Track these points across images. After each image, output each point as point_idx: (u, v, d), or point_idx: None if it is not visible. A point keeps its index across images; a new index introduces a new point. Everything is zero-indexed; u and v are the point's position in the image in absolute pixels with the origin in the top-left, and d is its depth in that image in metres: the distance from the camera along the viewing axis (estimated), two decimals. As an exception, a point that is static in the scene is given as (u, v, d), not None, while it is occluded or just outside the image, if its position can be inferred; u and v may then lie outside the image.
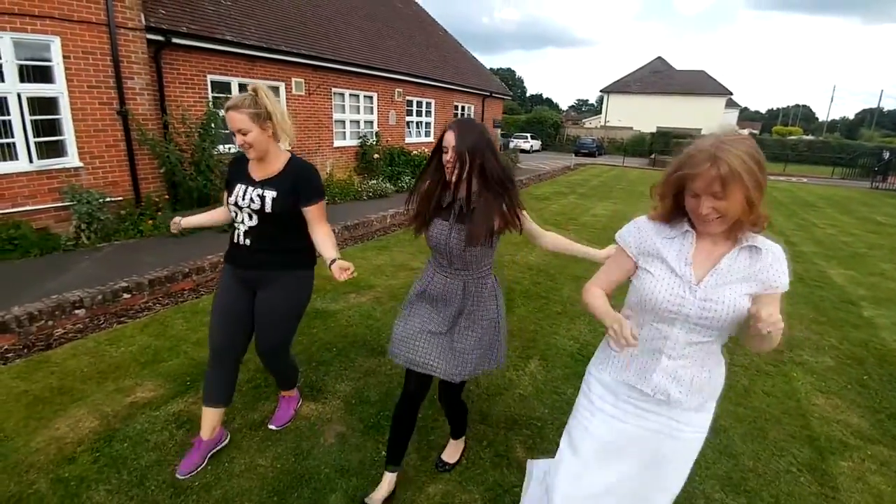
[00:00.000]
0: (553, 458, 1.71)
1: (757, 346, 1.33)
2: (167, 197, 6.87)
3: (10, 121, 5.29)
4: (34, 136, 5.47)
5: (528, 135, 32.22)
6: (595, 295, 1.48)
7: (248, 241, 2.18)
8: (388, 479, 2.14)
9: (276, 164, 2.14)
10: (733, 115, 46.70)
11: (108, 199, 6.04)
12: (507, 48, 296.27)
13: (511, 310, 4.39)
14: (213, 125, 7.32)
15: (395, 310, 2.14)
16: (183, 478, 2.19)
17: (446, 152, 1.77)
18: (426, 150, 12.46)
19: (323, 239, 2.15)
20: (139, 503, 2.04)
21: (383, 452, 2.42)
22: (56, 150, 5.77)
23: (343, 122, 11.17)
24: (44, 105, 5.58)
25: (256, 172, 2.15)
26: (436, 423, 2.67)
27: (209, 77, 7.86)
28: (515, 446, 2.54)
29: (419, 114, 14.33)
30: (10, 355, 3.29)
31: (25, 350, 3.38)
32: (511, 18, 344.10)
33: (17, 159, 5.38)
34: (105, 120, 6.09)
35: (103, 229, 5.90)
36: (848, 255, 7.19)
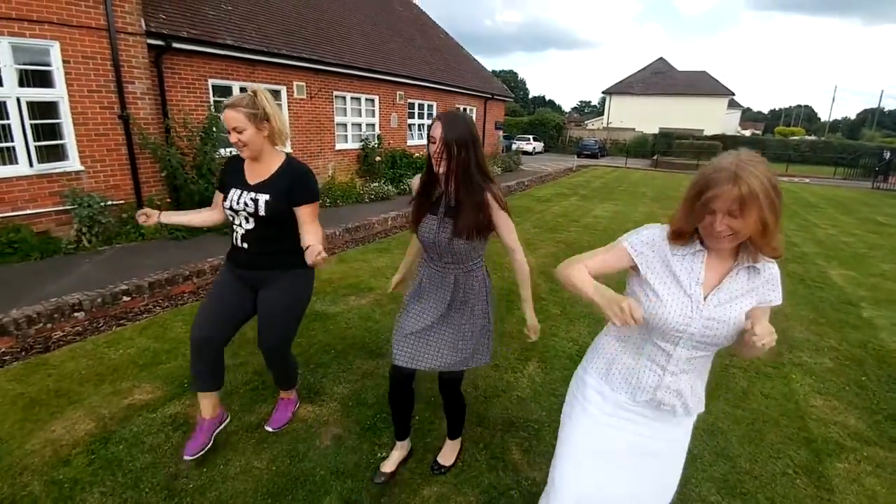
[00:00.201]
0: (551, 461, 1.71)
1: (748, 354, 1.34)
2: (169, 200, 6.90)
3: (9, 125, 5.32)
4: (35, 140, 5.51)
5: (531, 136, 32.22)
6: (583, 271, 1.39)
7: (245, 245, 2.20)
8: (399, 447, 2.35)
9: (271, 165, 2.16)
10: (735, 115, 46.62)
11: (109, 203, 6.07)
12: (509, 50, 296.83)
13: (510, 312, 4.38)
14: (214, 129, 7.35)
15: (395, 312, 2.16)
16: (190, 458, 2.22)
17: (433, 142, 1.80)
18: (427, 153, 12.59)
19: (309, 231, 2.14)
20: (133, 505, 2.05)
21: (379, 455, 2.43)
22: (57, 153, 5.81)
23: (345, 124, 11.19)
24: (44, 109, 5.61)
25: (251, 175, 2.16)
26: (432, 426, 2.67)
27: (210, 81, 7.89)
28: (512, 448, 2.54)
29: (421, 116, 14.35)
30: (7, 358, 3.31)
31: (23, 353, 3.39)
32: (513, 20, 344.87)
33: (17, 163, 5.42)
34: (106, 124, 6.13)
35: (104, 232, 5.93)
36: (848, 255, 7.16)
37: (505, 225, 1.91)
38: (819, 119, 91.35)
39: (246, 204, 2.11)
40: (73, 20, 5.55)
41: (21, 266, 4.94)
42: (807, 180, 21.15)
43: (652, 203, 11.63)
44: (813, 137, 42.42)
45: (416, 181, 2.01)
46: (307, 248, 1.98)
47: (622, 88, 42.17)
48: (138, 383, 2.99)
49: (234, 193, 2.15)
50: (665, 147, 30.51)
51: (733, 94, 39.96)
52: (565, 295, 4.83)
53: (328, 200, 9.43)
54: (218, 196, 2.32)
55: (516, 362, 3.46)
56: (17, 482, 2.14)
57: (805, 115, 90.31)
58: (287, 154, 2.23)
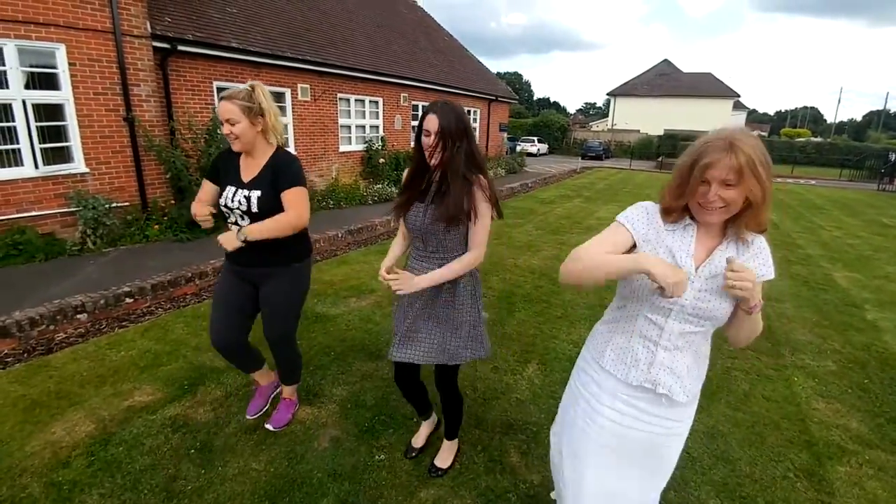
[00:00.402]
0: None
1: (737, 335, 1.36)
2: (173, 202, 6.94)
3: (15, 127, 5.37)
4: (40, 143, 5.55)
5: (535, 138, 32.22)
6: (601, 252, 1.33)
7: (242, 244, 2.20)
8: (425, 424, 2.53)
9: (262, 159, 2.18)
10: (741, 116, 46.40)
11: (114, 205, 6.12)
12: (513, 52, 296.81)
13: (511, 314, 4.38)
14: (218, 131, 7.38)
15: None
16: (252, 418, 2.65)
17: (427, 135, 1.80)
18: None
19: (275, 218, 2.11)
20: (131, 507, 2.06)
21: (377, 457, 2.43)
22: (62, 156, 5.85)
23: (349, 126, 11.22)
24: (50, 111, 5.66)
25: (245, 172, 2.19)
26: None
27: (215, 83, 7.93)
28: (510, 451, 2.53)
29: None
30: (9, 360, 3.33)
31: (25, 354, 3.42)
32: (518, 23, 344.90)
33: (22, 165, 5.46)
34: (112, 126, 6.17)
35: (109, 234, 5.97)
36: (853, 257, 7.10)
37: (481, 219, 1.88)
38: (825, 120, 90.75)
39: (240, 202, 2.13)
40: (79, 23, 5.60)
41: (26, 267, 4.99)
42: (812, 182, 21.00)
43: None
44: (819, 139, 42.14)
45: (406, 174, 2.02)
46: (238, 230, 2.06)
47: (627, 90, 42.09)
48: (139, 385, 3.01)
49: (228, 191, 2.17)
50: (670, 149, 30.32)
51: (738, 96, 39.81)
52: (567, 297, 4.81)
53: (332, 202, 9.46)
54: (205, 185, 2.30)
55: (516, 364, 3.45)
56: (16, 484, 2.15)
57: (811, 117, 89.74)
58: (277, 146, 2.23)
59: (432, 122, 1.79)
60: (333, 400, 2.92)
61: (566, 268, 1.35)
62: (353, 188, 10.23)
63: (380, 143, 11.86)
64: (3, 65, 5.16)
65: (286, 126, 9.40)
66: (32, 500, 2.07)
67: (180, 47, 7.02)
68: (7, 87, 5.23)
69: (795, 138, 40.48)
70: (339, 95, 10.64)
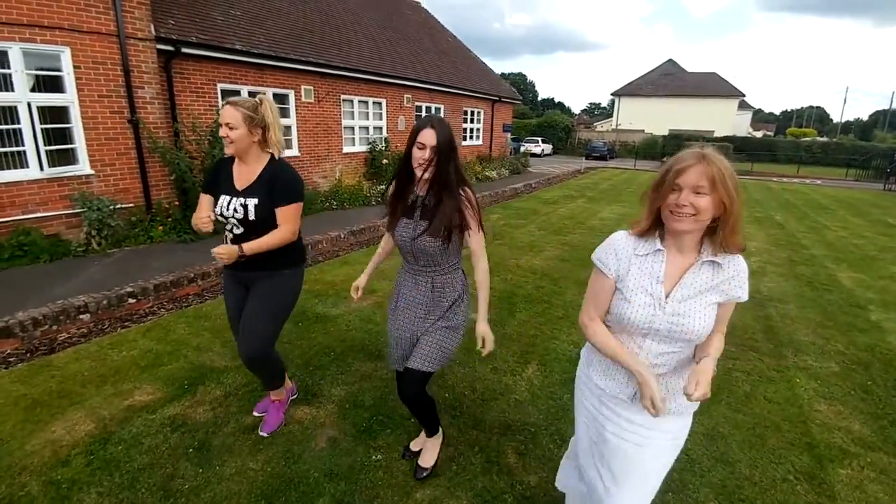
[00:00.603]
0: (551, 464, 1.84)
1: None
2: (177, 203, 6.97)
3: (20, 129, 5.42)
4: (45, 145, 5.60)
5: (539, 139, 32.14)
6: (605, 334, 1.47)
7: None
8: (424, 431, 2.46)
9: (257, 168, 2.20)
10: (746, 116, 46.16)
11: (118, 206, 6.16)
12: (518, 53, 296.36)
13: (512, 314, 4.38)
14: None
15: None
16: (257, 415, 2.73)
17: (422, 148, 1.81)
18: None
19: (271, 234, 2.17)
20: (128, 506, 2.07)
21: (374, 457, 2.44)
22: (67, 157, 5.90)
23: (352, 128, 11.25)
24: (55, 114, 5.71)
25: (239, 180, 2.20)
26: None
27: (219, 86, 7.98)
28: (507, 452, 2.53)
29: (428, 119, 14.37)
30: (12, 359, 3.36)
31: (28, 354, 3.44)
32: (522, 23, 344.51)
33: (27, 167, 5.51)
34: (116, 128, 6.21)
35: (114, 235, 6.01)
36: (858, 257, 7.04)
37: (473, 228, 1.92)
38: (831, 120, 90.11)
39: (236, 210, 2.15)
40: (83, 26, 5.64)
41: (30, 268, 5.03)
42: (818, 182, 20.86)
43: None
44: (824, 139, 41.93)
45: (392, 187, 2.02)
46: (238, 249, 2.09)
47: (631, 90, 41.95)
48: (139, 385, 3.03)
49: (223, 200, 2.18)
50: (675, 149, 29.85)
51: (744, 95, 39.58)
52: (568, 298, 4.81)
53: (335, 203, 9.49)
54: (203, 198, 2.32)
55: (515, 365, 3.44)
56: (15, 482, 2.17)
57: (817, 116, 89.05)
58: (271, 155, 2.26)
59: (429, 137, 1.80)
60: (332, 400, 2.92)
61: (583, 329, 1.54)
62: (357, 189, 10.25)
63: (383, 145, 11.88)
64: (8, 68, 5.21)
65: (289, 128, 9.44)
66: (31, 498, 2.08)
67: (184, 50, 7.07)
68: (12, 90, 5.28)
69: (801, 138, 40.26)
70: (343, 97, 10.67)
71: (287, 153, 9.35)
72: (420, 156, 1.82)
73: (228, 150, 2.17)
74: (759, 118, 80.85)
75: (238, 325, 2.37)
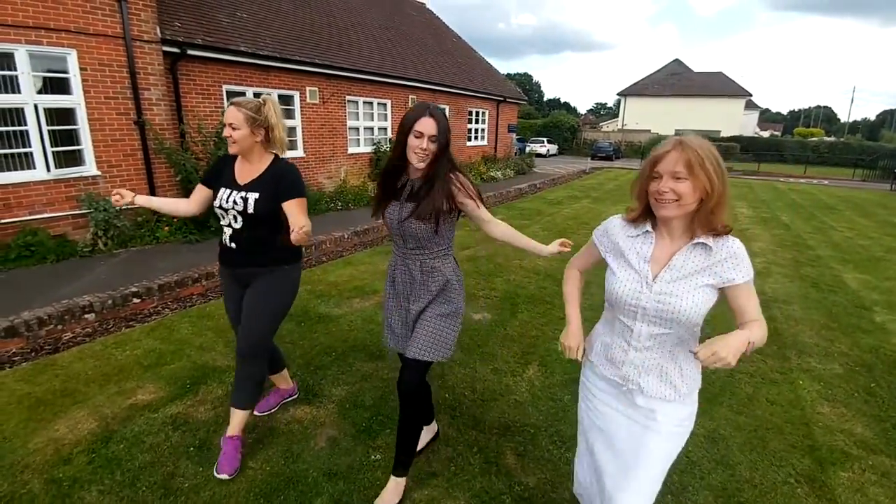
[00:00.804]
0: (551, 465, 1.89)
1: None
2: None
3: (27, 131, 5.48)
4: (52, 146, 5.66)
5: (545, 139, 32.12)
6: (572, 282, 1.72)
7: (234, 244, 2.25)
8: (425, 430, 2.46)
9: (260, 166, 2.23)
10: (753, 116, 45.88)
11: (125, 207, 6.20)
12: (524, 53, 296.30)
13: (514, 315, 4.38)
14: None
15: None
16: (260, 414, 2.72)
17: (420, 137, 1.80)
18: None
19: (298, 220, 2.19)
20: (129, 503, 2.09)
21: (373, 457, 2.44)
22: (74, 158, 5.96)
23: (357, 128, 11.29)
24: (62, 115, 5.77)
25: (241, 176, 2.23)
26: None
27: (225, 87, 8.03)
28: (506, 453, 2.52)
29: (432, 120, 14.39)
30: (17, 359, 3.40)
31: (33, 353, 3.48)
32: (528, 23, 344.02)
33: (34, 168, 5.57)
34: (122, 130, 6.27)
35: (120, 236, 6.07)
36: (864, 258, 6.98)
37: (472, 203, 1.96)
38: (839, 120, 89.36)
39: (235, 202, 2.17)
40: (89, 28, 5.70)
41: (37, 268, 5.09)
42: (825, 182, 20.70)
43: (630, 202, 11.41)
44: (832, 139, 41.62)
45: (385, 171, 2.04)
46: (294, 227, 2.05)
47: (637, 90, 41.82)
48: (142, 384, 3.05)
49: (223, 193, 2.21)
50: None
51: (750, 95, 39.38)
52: (570, 298, 4.79)
53: (340, 204, 9.52)
54: (199, 189, 2.36)
55: (516, 365, 3.44)
56: (17, 480, 2.20)
57: (824, 116, 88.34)
58: (275, 155, 2.29)
59: (429, 126, 1.79)
60: (332, 400, 2.94)
61: (566, 272, 1.75)
62: (362, 190, 10.28)
63: (388, 145, 11.90)
64: (15, 70, 5.27)
65: (295, 129, 9.48)
66: (32, 496, 2.10)
67: (190, 52, 7.12)
68: (19, 92, 5.34)
69: (808, 138, 39.97)
70: (348, 98, 10.71)
71: (292, 154, 9.40)
72: (417, 144, 1.80)
73: (232, 150, 2.20)
74: (767, 118, 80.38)
75: (237, 318, 2.38)
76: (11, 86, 5.31)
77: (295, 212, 2.19)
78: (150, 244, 6.26)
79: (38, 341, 3.63)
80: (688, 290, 1.35)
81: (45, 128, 5.55)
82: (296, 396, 2.93)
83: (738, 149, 32.18)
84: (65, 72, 5.66)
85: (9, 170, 5.44)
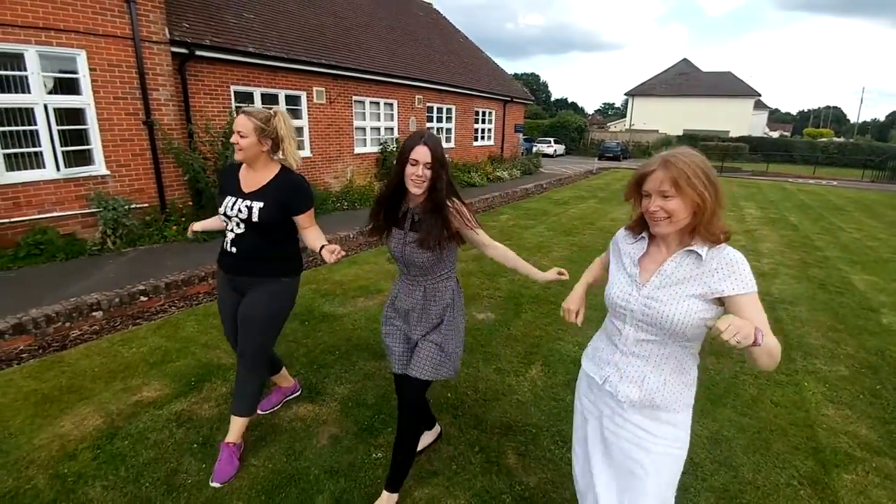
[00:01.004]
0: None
1: (754, 362, 1.24)
2: (191, 203, 7.09)
3: (37, 131, 5.55)
4: (62, 146, 5.72)
5: (552, 139, 32.00)
6: (587, 273, 1.80)
7: (234, 249, 2.26)
8: (427, 434, 2.49)
9: (266, 174, 2.24)
10: (762, 116, 45.53)
11: (133, 206, 6.28)
12: (531, 53, 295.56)
13: (517, 315, 4.38)
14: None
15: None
16: (263, 413, 2.74)
17: (415, 164, 1.81)
18: (448, 155, 12.83)
19: (312, 236, 2.26)
20: (133, 499, 2.12)
21: (374, 455, 2.46)
22: (84, 158, 6.02)
23: (364, 129, 11.32)
24: (71, 115, 5.83)
25: (246, 184, 2.24)
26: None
27: (232, 88, 8.09)
28: (507, 453, 2.53)
29: (440, 120, 14.43)
30: (24, 355, 3.45)
31: (40, 350, 3.53)
32: (535, 24, 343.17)
33: (44, 168, 5.64)
34: (131, 130, 6.33)
35: (128, 235, 6.13)
36: (872, 260, 6.91)
37: (474, 230, 1.96)
38: (848, 121, 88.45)
39: (240, 210, 2.18)
40: (99, 29, 5.76)
41: (46, 267, 5.15)
42: (834, 183, 20.49)
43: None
44: (841, 139, 41.23)
45: (380, 198, 2.01)
46: (322, 247, 2.08)
47: (645, 90, 41.63)
48: (147, 381, 3.09)
49: (228, 201, 2.23)
50: (689, 149, 29.89)
51: (759, 95, 39.08)
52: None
53: (346, 203, 9.56)
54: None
55: (519, 365, 3.45)
56: (22, 475, 2.23)
57: (834, 117, 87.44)
58: (282, 164, 2.30)
59: (423, 154, 1.80)
60: (335, 398, 2.96)
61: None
62: (368, 189, 10.32)
63: (395, 145, 11.92)
64: (25, 70, 5.34)
65: (301, 129, 9.53)
66: (37, 491, 2.14)
67: (198, 52, 7.18)
68: (29, 92, 5.41)
69: (818, 138, 39.63)
70: (354, 98, 10.74)
71: (299, 154, 9.43)
72: (413, 172, 1.82)
73: (237, 157, 2.22)
74: (776, 118, 79.74)
75: (230, 325, 2.38)
76: (22, 86, 5.38)
77: (307, 224, 2.26)
78: (158, 243, 6.31)
79: (46, 338, 3.68)
80: (675, 298, 1.33)
81: (54, 128, 5.61)
82: (299, 393, 2.95)
83: (746, 149, 31.97)
84: (74, 72, 5.72)
85: (19, 169, 5.51)
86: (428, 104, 13.48)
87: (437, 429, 2.58)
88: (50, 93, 5.61)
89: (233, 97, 8.09)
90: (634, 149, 34.09)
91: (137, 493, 2.15)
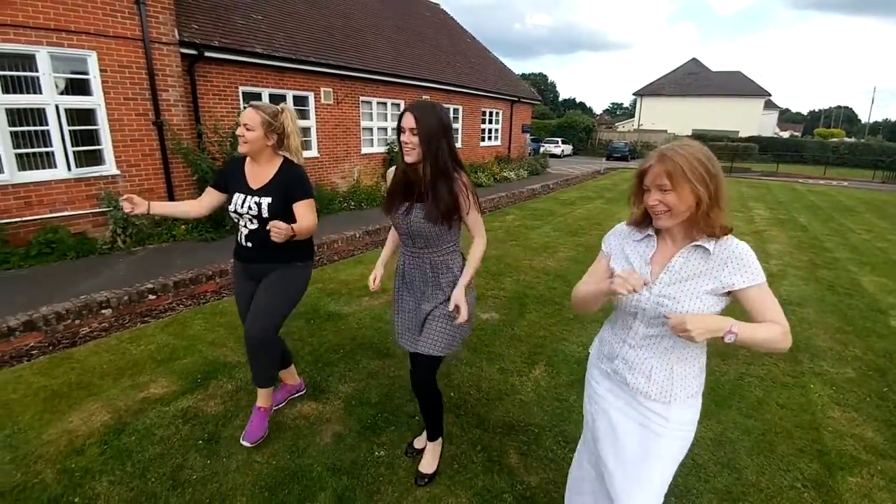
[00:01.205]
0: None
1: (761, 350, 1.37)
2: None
3: (48, 131, 5.63)
4: (73, 146, 5.80)
5: (559, 139, 31.95)
6: (583, 283, 1.58)
7: (250, 244, 2.34)
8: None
9: (270, 169, 2.30)
10: (772, 116, 45.11)
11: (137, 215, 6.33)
12: (539, 53, 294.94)
13: (522, 315, 4.38)
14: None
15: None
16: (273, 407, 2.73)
17: (403, 132, 1.87)
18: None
19: (303, 219, 2.30)
20: (138, 494, 2.15)
21: (377, 453, 2.48)
22: (94, 158, 6.10)
23: (371, 129, 11.36)
24: (82, 116, 5.91)
25: (253, 180, 2.30)
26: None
27: (241, 88, 8.15)
28: (509, 452, 2.53)
29: (446, 120, 14.42)
30: (34, 352, 3.51)
31: (50, 347, 3.59)
32: (543, 23, 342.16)
33: (55, 167, 5.72)
34: (141, 130, 6.41)
35: (138, 234, 6.20)
36: (882, 261, 6.83)
37: (473, 208, 1.97)
38: (860, 121, 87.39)
39: (250, 207, 2.25)
40: (109, 31, 5.83)
41: (57, 265, 5.22)
42: (845, 183, 20.28)
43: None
44: (852, 139, 40.77)
45: (391, 171, 2.09)
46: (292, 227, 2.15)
47: (654, 90, 41.40)
48: (155, 378, 3.13)
49: (238, 198, 2.27)
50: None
51: (769, 95, 38.72)
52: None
53: (353, 203, 9.60)
54: (210, 193, 2.43)
55: (523, 365, 3.45)
56: (30, 470, 2.27)
57: (845, 117, 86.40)
58: (284, 157, 2.35)
59: (408, 120, 1.85)
60: (339, 396, 2.98)
61: (572, 303, 1.61)
62: (375, 189, 10.36)
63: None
64: (37, 71, 5.41)
65: (309, 129, 9.59)
66: (44, 485, 2.17)
67: (207, 53, 7.24)
68: (41, 93, 5.49)
69: (829, 138, 39.21)
70: (362, 98, 10.78)
71: (306, 154, 9.49)
72: (403, 139, 1.88)
73: (242, 149, 2.27)
74: (787, 118, 79.01)
75: (246, 310, 2.46)
76: (34, 87, 5.46)
77: (302, 212, 2.29)
78: (167, 242, 6.38)
79: (56, 335, 3.74)
80: (687, 295, 1.34)
81: (66, 128, 5.69)
82: (303, 392, 2.97)
83: (756, 149, 31.70)
84: (85, 73, 5.80)
85: (31, 169, 5.59)
86: (435, 104, 13.48)
87: (441, 442, 2.57)
88: (61, 93, 5.69)
89: (241, 98, 8.15)
90: (643, 149, 33.88)
91: (143, 488, 2.18)
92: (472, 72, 15.81)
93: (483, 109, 16.28)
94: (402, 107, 11.81)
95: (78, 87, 5.82)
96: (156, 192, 6.68)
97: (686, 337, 1.21)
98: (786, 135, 47.00)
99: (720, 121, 36.02)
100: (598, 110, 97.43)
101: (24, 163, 5.53)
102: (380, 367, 3.34)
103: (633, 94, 43.30)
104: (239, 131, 2.22)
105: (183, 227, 6.62)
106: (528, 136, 20.63)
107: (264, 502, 2.13)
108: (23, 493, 2.13)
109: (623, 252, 1.51)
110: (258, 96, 8.48)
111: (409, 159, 1.89)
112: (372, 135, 11.43)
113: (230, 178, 2.36)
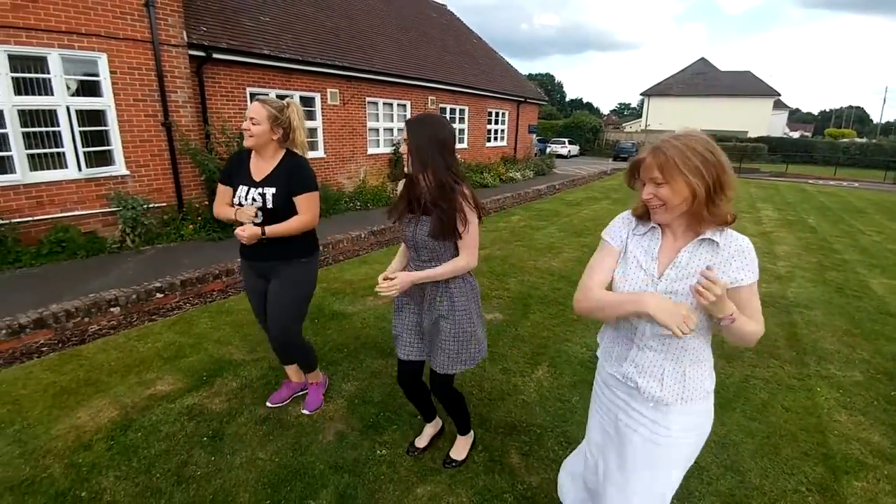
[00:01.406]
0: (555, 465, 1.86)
1: (727, 337, 1.34)
2: (207, 203, 7.21)
3: (59, 132, 5.71)
4: (83, 147, 5.87)
5: (566, 140, 31.86)
6: (602, 291, 1.43)
7: None
8: (430, 426, 2.55)
9: (273, 161, 2.34)
10: (782, 116, 44.71)
11: (152, 205, 6.43)
12: (546, 53, 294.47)
13: (525, 315, 4.38)
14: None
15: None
16: (272, 406, 2.84)
17: (403, 144, 1.94)
18: (460, 156, 12.83)
19: (293, 219, 2.34)
20: (144, 489, 2.18)
21: (379, 452, 2.49)
22: (104, 159, 6.17)
23: (377, 129, 11.40)
24: (93, 117, 5.99)
25: (256, 172, 2.33)
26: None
27: (248, 89, 8.21)
28: (511, 452, 2.54)
29: (453, 120, 14.44)
30: (44, 349, 3.56)
31: (60, 344, 3.64)
32: (550, 24, 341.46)
33: (66, 168, 5.80)
34: (150, 131, 6.48)
35: (147, 233, 6.27)
36: (892, 263, 6.75)
37: (469, 225, 1.94)
38: (871, 121, 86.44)
39: (254, 199, 2.27)
40: (119, 33, 5.90)
41: (67, 264, 5.30)
42: (855, 184, 20.06)
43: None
44: (863, 140, 40.30)
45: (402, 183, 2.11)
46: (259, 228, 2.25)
47: (662, 90, 41.18)
48: (161, 375, 3.17)
49: (242, 190, 2.31)
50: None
51: (779, 95, 38.39)
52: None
53: (359, 203, 9.64)
54: (223, 191, 2.45)
55: (525, 366, 3.45)
56: (39, 464, 2.31)
57: (856, 117, 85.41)
58: (287, 149, 2.39)
59: (405, 133, 1.92)
60: (342, 395, 3.00)
61: (578, 304, 1.46)
62: (381, 190, 10.39)
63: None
64: (48, 73, 5.49)
65: (315, 130, 9.64)
66: (52, 479, 2.21)
67: (215, 55, 7.31)
68: (52, 94, 5.56)
69: (839, 139, 38.80)
70: (368, 99, 10.82)
71: (313, 154, 9.55)
72: (401, 150, 1.97)
73: (247, 143, 2.30)
74: (797, 118, 78.33)
75: (258, 305, 2.54)
76: (45, 88, 5.54)
77: (303, 207, 2.32)
78: (175, 241, 6.45)
79: (66, 333, 3.79)
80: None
81: (76, 129, 5.77)
82: (307, 391, 2.99)
83: (765, 150, 31.43)
84: (96, 75, 5.87)
85: (42, 169, 5.67)
86: (441, 105, 13.51)
87: (438, 422, 2.59)
88: (72, 95, 5.76)
89: (248, 99, 8.21)
90: (650, 150, 33.76)
91: (148, 484, 2.21)
92: (478, 72, 15.82)
93: (489, 110, 16.28)
94: (408, 107, 12.00)
95: (88, 88, 5.89)
96: (164, 193, 6.75)
97: (704, 297, 1.17)
98: (796, 135, 46.63)
99: (729, 121, 35.75)
100: (605, 110, 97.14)
101: (36, 163, 5.61)
102: (383, 367, 3.36)
103: (641, 94, 43.11)
104: (245, 125, 2.26)
105: (191, 226, 6.69)
106: (534, 136, 20.60)
107: (267, 499, 2.16)
108: (31, 487, 2.17)
109: (628, 248, 1.44)
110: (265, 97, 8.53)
111: (406, 170, 1.96)
112: (378, 135, 11.46)
113: (234, 171, 2.39)
